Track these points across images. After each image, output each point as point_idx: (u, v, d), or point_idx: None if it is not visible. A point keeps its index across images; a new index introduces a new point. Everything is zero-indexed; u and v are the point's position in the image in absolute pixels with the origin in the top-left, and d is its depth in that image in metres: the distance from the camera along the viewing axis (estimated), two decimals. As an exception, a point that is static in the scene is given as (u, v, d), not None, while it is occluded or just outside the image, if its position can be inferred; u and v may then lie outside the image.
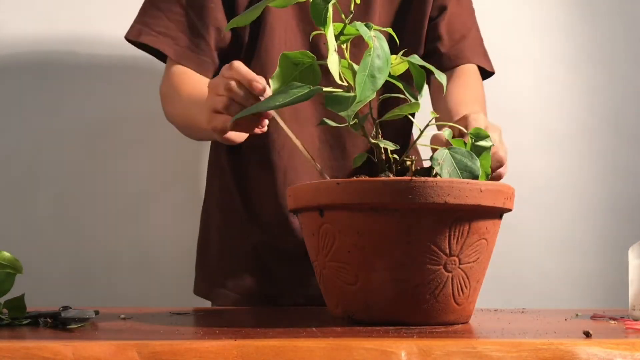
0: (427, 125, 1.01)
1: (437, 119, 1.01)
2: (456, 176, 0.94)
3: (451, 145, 1.00)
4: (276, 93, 0.98)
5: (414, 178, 0.90)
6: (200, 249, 1.53)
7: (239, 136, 1.16)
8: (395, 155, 1.01)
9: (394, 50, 0.96)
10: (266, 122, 1.09)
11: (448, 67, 1.47)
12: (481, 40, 1.52)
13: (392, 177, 0.98)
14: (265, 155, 1.40)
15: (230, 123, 1.06)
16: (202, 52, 1.37)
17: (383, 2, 1.42)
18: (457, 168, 0.95)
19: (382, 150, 1.00)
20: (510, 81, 1.70)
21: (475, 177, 0.94)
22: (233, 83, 1.07)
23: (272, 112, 1.07)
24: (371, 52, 0.92)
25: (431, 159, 0.96)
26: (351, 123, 0.95)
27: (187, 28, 1.37)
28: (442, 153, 0.96)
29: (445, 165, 0.95)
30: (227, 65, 1.09)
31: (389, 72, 0.95)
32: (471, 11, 1.53)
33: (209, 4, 1.36)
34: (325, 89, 0.97)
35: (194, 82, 1.34)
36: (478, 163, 0.96)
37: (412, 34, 1.44)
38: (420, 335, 0.83)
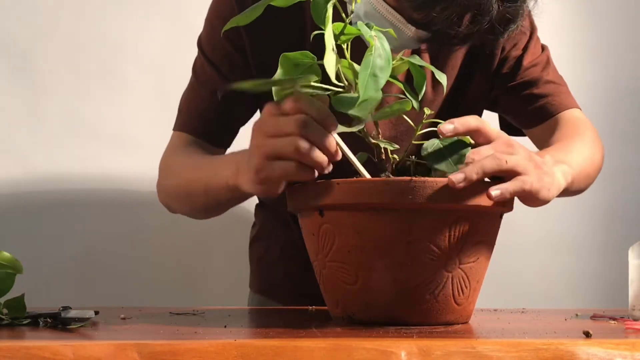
0: (422, 124, 1.01)
1: (431, 116, 1.01)
2: (444, 162, 0.94)
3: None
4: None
5: (414, 178, 0.90)
6: (251, 243, 1.55)
7: (281, 188, 0.98)
8: (395, 155, 1.01)
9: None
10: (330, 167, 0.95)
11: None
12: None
13: (392, 177, 0.98)
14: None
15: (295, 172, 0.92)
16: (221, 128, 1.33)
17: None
18: (447, 154, 0.95)
19: (382, 150, 1.00)
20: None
21: (463, 161, 0.94)
22: (307, 119, 0.92)
23: (340, 144, 0.95)
24: (372, 52, 0.92)
25: (422, 148, 0.96)
26: (355, 123, 0.95)
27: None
28: (432, 142, 0.96)
29: (433, 153, 0.95)
30: (285, 100, 0.94)
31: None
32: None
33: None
34: (325, 85, 0.96)
35: (205, 153, 1.30)
36: (469, 150, 0.96)
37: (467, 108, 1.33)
38: (420, 335, 0.82)
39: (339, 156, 0.94)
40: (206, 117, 1.33)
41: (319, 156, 0.92)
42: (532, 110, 1.35)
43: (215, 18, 1.32)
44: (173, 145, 1.35)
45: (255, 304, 1.51)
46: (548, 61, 1.39)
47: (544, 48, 1.40)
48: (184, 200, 1.30)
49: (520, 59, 1.35)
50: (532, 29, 1.37)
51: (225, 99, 1.28)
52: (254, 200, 1.57)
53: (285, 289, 1.46)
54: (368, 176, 0.96)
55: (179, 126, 1.35)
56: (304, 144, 0.91)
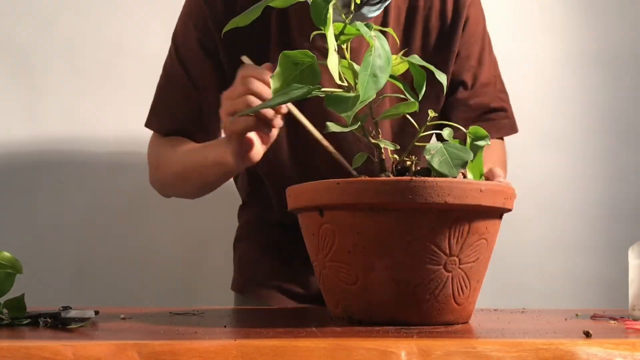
0: (425, 125, 1.01)
1: (434, 119, 1.01)
2: (446, 165, 0.94)
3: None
4: (276, 94, 0.98)
5: (414, 178, 0.90)
6: (234, 244, 1.56)
7: (257, 152, 1.16)
8: (395, 155, 1.01)
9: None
10: (280, 120, 1.11)
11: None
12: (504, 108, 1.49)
13: (392, 177, 0.98)
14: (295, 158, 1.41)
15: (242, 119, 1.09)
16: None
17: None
18: (449, 157, 0.95)
19: (382, 150, 1.00)
20: (509, 81, 1.71)
21: (465, 164, 0.94)
22: (252, 80, 1.10)
23: (289, 105, 1.09)
24: (372, 52, 0.92)
25: (425, 150, 0.96)
26: (350, 124, 0.95)
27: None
28: (436, 145, 0.96)
29: (436, 155, 0.95)
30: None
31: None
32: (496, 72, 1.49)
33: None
34: (324, 89, 0.96)
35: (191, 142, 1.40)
36: (471, 155, 0.96)
37: (431, 85, 1.39)
38: (420, 335, 0.82)
39: (284, 110, 1.10)
40: (179, 118, 1.41)
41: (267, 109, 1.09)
42: (466, 119, 1.43)
43: (186, 18, 1.41)
44: (158, 143, 1.46)
45: (237, 304, 1.51)
46: (500, 78, 1.49)
47: (496, 61, 1.49)
48: (180, 185, 1.42)
49: (476, 73, 1.44)
50: (484, 39, 1.45)
51: (192, 101, 1.40)
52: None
53: (267, 287, 1.46)
54: (323, 139, 1.05)
55: (156, 127, 1.46)
56: (251, 98, 1.09)
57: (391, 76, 0.98)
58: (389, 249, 0.92)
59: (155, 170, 1.46)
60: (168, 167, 1.41)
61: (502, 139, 1.51)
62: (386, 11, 1.37)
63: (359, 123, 0.99)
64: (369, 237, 0.92)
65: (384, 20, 1.37)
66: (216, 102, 1.37)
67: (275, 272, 1.45)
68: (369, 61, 0.92)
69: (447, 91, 1.42)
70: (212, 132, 1.42)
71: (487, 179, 1.09)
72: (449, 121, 1.42)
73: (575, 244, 1.94)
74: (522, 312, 1.23)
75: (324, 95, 0.97)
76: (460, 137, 1.02)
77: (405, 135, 1.37)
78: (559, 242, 1.93)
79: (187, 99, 1.41)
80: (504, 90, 1.50)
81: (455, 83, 1.44)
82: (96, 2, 1.76)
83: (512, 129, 1.50)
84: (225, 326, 0.93)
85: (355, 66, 0.96)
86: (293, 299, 1.44)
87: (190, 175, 1.37)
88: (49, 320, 0.91)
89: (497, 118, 1.47)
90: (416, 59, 1.00)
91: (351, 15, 0.97)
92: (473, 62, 1.44)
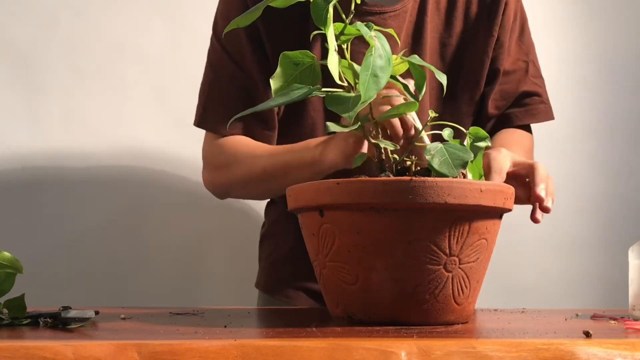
0: (426, 125, 1.01)
1: (435, 119, 1.01)
2: (447, 165, 0.94)
3: None
4: (277, 94, 0.98)
5: (414, 178, 0.90)
6: (261, 242, 1.55)
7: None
8: (395, 155, 1.01)
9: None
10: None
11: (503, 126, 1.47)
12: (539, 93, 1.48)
13: (392, 177, 0.98)
14: None
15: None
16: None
17: (432, 40, 1.41)
18: (449, 158, 0.95)
19: (382, 150, 1.00)
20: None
21: (465, 164, 0.95)
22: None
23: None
24: (372, 52, 0.92)
25: (425, 150, 0.96)
26: (352, 124, 0.95)
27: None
28: (436, 145, 0.96)
29: (436, 155, 0.95)
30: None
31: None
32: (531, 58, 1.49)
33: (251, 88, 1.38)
34: (324, 89, 0.97)
35: (262, 143, 1.38)
36: (471, 155, 0.96)
37: (470, 71, 1.42)
38: (420, 335, 0.83)
39: (412, 132, 1.09)
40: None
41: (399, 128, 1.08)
42: (497, 108, 1.44)
43: (228, 11, 1.37)
44: (223, 144, 1.40)
45: (262, 302, 1.51)
46: (535, 63, 1.47)
47: (530, 46, 1.47)
48: (257, 184, 1.38)
49: (507, 60, 1.43)
50: (515, 25, 1.44)
51: (249, 95, 1.36)
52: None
53: (293, 287, 1.46)
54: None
55: (212, 127, 1.40)
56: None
57: (392, 76, 0.98)
58: (389, 249, 0.92)
59: (219, 171, 1.42)
60: (243, 168, 1.37)
61: (529, 129, 1.49)
62: None
63: (359, 123, 0.99)
64: (369, 237, 0.92)
65: (421, 5, 1.37)
66: (268, 94, 1.36)
67: (302, 271, 1.44)
68: (369, 61, 0.92)
69: (487, 79, 1.43)
70: (271, 125, 1.39)
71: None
72: (485, 110, 1.43)
73: (575, 244, 1.94)
74: (522, 312, 1.23)
75: (324, 96, 0.97)
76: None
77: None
78: (559, 242, 1.93)
79: (243, 94, 1.37)
80: (538, 75, 1.48)
81: (494, 70, 1.43)
82: (96, 2, 1.76)
83: (548, 114, 1.48)
84: (225, 326, 0.93)
85: (356, 66, 0.96)
86: (321, 299, 1.43)
87: (277, 174, 1.33)
88: (49, 320, 0.91)
89: (533, 103, 1.46)
90: (416, 59, 1.00)
91: (351, 16, 0.97)
92: (505, 49, 1.43)
